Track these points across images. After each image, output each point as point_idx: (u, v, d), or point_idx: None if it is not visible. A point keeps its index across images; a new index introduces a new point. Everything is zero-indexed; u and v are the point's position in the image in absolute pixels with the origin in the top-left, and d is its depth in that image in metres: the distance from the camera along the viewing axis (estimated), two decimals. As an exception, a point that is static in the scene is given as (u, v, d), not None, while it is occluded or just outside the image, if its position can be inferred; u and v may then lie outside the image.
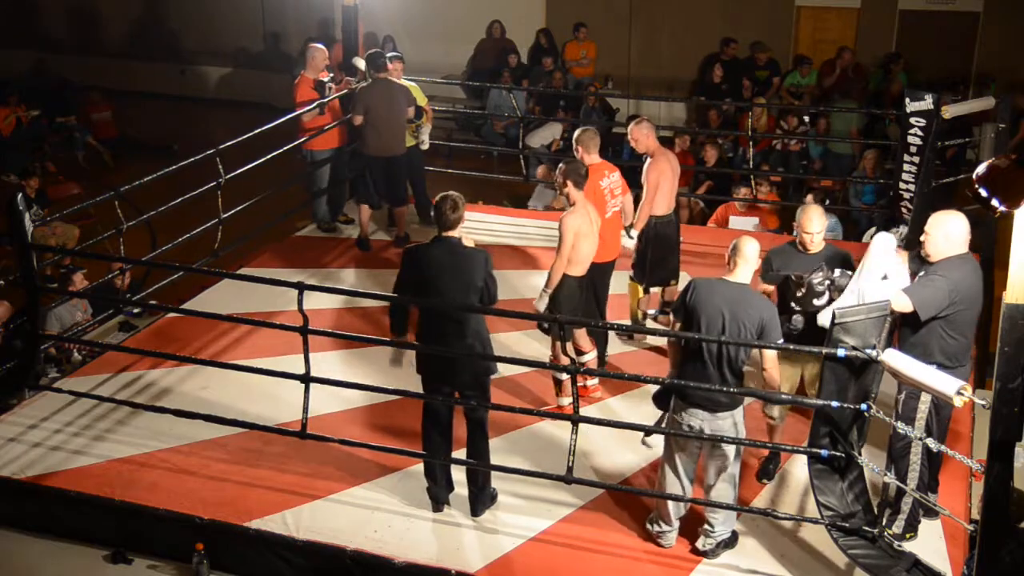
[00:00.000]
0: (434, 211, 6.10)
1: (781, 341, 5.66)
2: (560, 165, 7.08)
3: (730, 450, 5.68)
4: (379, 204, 9.77)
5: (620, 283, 8.03)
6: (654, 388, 6.06)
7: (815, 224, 6.15)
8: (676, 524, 5.89)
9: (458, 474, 6.30)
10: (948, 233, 5.64)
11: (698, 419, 5.62)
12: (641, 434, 6.73)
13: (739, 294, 5.58)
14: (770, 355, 5.70)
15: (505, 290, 8.74)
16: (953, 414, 5.90)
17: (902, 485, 5.67)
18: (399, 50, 12.54)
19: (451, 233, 6.06)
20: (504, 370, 7.31)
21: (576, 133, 7.65)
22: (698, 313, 5.58)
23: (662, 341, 7.50)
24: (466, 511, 6.20)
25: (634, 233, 7.86)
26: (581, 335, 7.45)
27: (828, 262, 6.23)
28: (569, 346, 7.22)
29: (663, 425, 6.07)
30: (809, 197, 10.81)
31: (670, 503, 5.81)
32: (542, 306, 7.02)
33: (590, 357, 7.52)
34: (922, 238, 5.77)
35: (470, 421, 6.19)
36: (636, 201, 7.96)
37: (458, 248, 6.06)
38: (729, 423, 5.63)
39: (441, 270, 5.98)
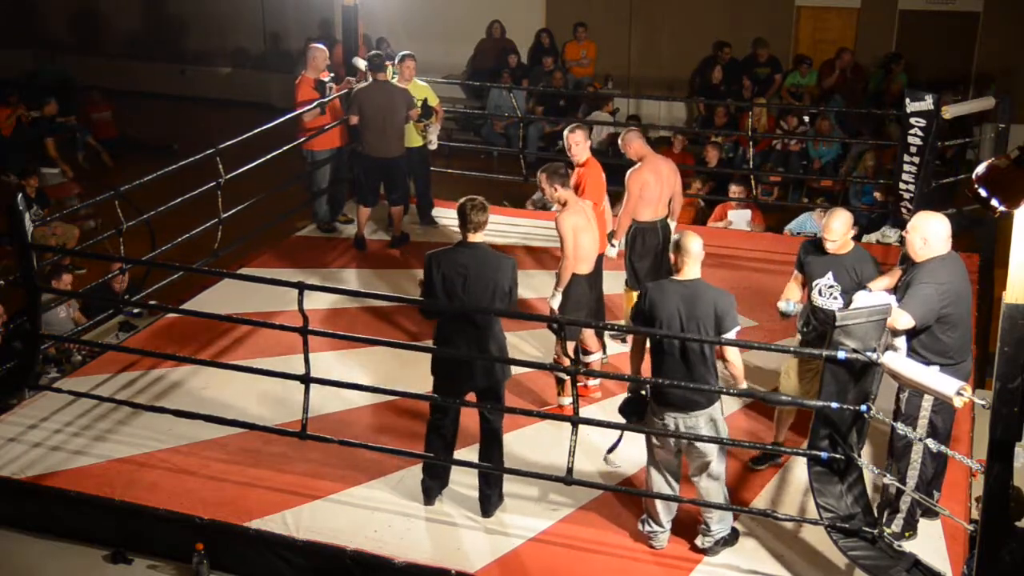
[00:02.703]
0: (458, 213, 6.00)
1: (738, 329, 5.64)
2: (539, 174, 7.05)
3: (709, 448, 5.67)
4: (374, 203, 9.78)
5: (612, 283, 8.00)
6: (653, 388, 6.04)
7: (833, 231, 6.16)
8: (667, 525, 5.89)
9: (462, 476, 6.30)
10: (926, 237, 5.66)
11: (672, 419, 5.63)
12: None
13: (692, 291, 5.61)
14: (731, 347, 5.69)
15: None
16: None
17: (900, 485, 5.67)
18: (394, 51, 12.51)
19: (475, 237, 5.99)
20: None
21: (568, 129, 7.68)
22: (656, 316, 5.62)
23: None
24: (466, 511, 6.20)
25: (616, 242, 7.82)
26: (588, 335, 7.45)
27: (844, 265, 6.21)
28: (571, 346, 7.20)
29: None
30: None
31: (659, 504, 5.82)
32: (555, 303, 7.02)
33: (595, 358, 7.53)
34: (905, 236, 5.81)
35: (485, 428, 6.17)
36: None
37: (485, 252, 6.00)
38: (704, 420, 5.63)
39: (467, 275, 5.92)
